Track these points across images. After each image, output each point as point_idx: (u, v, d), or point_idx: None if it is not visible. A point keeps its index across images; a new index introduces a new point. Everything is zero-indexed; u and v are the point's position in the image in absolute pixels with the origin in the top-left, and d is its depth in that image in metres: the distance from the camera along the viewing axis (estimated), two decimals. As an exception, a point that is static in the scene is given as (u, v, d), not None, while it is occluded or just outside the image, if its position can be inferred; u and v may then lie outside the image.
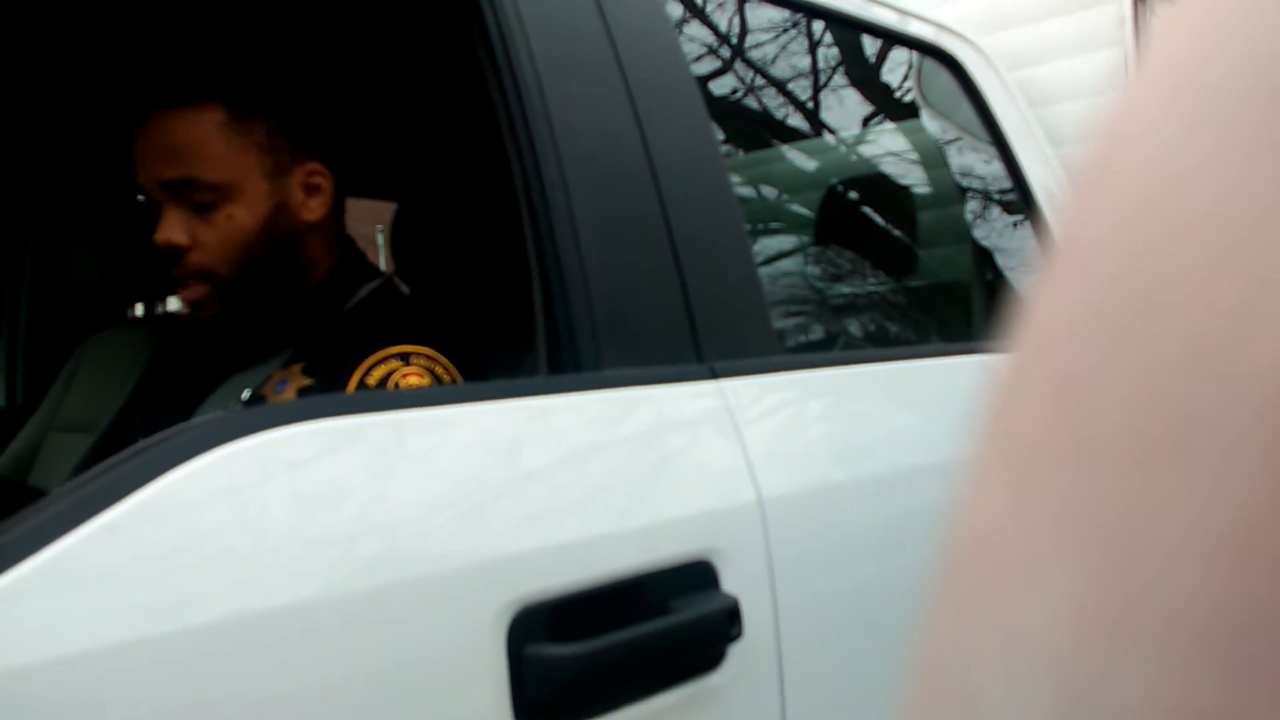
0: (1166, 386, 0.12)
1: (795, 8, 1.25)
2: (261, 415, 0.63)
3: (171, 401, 1.15)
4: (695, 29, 1.20)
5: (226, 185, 1.01)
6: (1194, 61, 0.13)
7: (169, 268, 1.03)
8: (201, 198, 1.01)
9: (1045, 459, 0.13)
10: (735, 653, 0.74)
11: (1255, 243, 0.11)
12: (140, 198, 1.76)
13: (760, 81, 1.37)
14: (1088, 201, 0.14)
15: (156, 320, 1.70)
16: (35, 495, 1.29)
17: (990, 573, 0.13)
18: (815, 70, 1.43)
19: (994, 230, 1.53)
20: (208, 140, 1.00)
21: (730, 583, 0.76)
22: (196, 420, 1.06)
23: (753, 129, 1.41)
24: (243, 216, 1.02)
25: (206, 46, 1.42)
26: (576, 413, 0.76)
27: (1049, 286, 0.14)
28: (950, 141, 1.55)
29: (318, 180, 1.07)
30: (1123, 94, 0.14)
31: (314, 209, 1.06)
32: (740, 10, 1.27)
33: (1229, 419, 0.11)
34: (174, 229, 1.01)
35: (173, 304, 1.92)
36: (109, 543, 0.52)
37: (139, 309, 1.86)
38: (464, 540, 0.65)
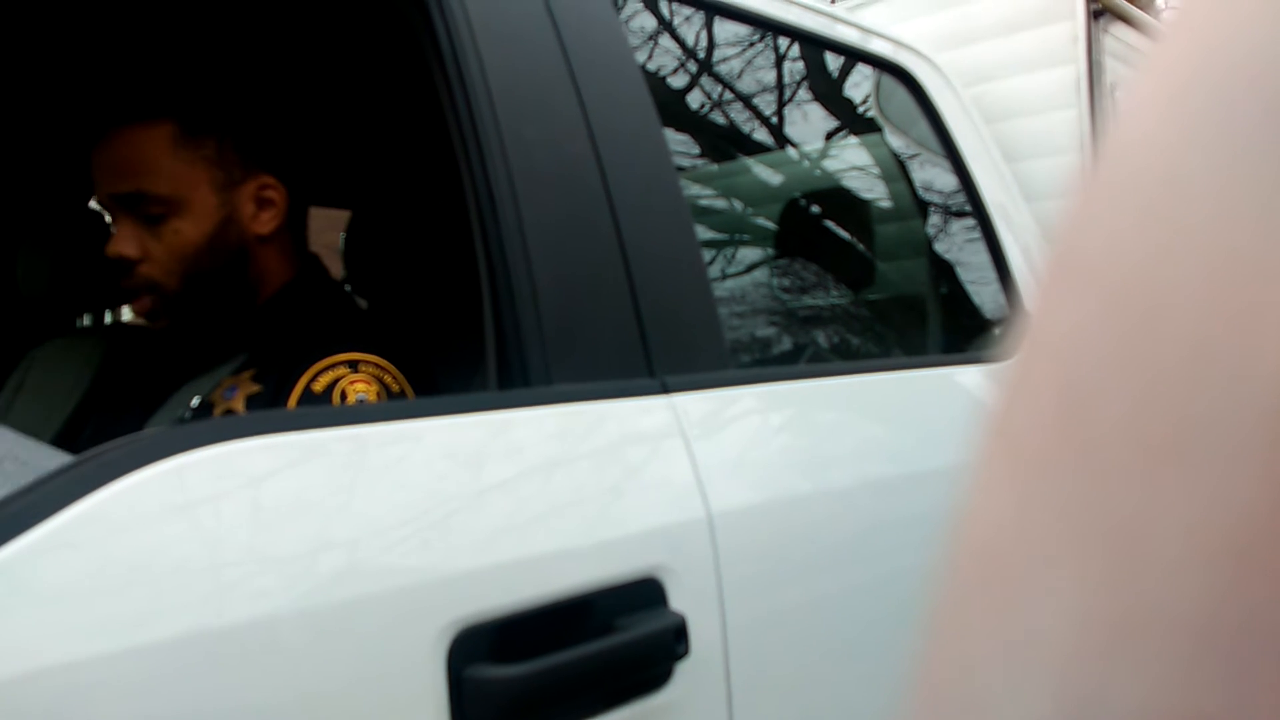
0: (1168, 392, 0.12)
1: (754, 23, 1.25)
2: (216, 427, 0.62)
3: (125, 412, 1.15)
4: (654, 43, 1.20)
5: (174, 199, 1.03)
6: (1193, 68, 0.13)
7: (119, 280, 1.05)
8: (151, 210, 1.03)
9: (1048, 464, 0.13)
10: (682, 671, 0.74)
11: (1256, 248, 0.11)
12: (91, 205, 1.74)
13: (720, 95, 1.37)
14: (1090, 208, 0.14)
15: (105, 330, 1.67)
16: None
17: (992, 577, 0.14)
18: (775, 85, 1.44)
19: (951, 244, 1.54)
20: (158, 155, 1.03)
21: (678, 600, 0.75)
22: (147, 431, 1.04)
23: (712, 142, 1.41)
24: (188, 230, 1.04)
25: (159, 64, 1.42)
26: (522, 429, 0.75)
27: (1051, 292, 0.14)
28: (909, 156, 1.56)
29: (270, 194, 1.08)
30: (1124, 101, 0.14)
31: (265, 222, 1.08)
32: (699, 25, 1.27)
33: (1230, 425, 0.11)
34: (125, 242, 1.03)
35: (123, 314, 1.89)
36: (48, 556, 0.51)
37: (87, 319, 1.82)
38: (405, 560, 0.64)
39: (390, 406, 0.85)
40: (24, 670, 0.48)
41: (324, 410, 0.89)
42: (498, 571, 0.66)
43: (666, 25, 1.23)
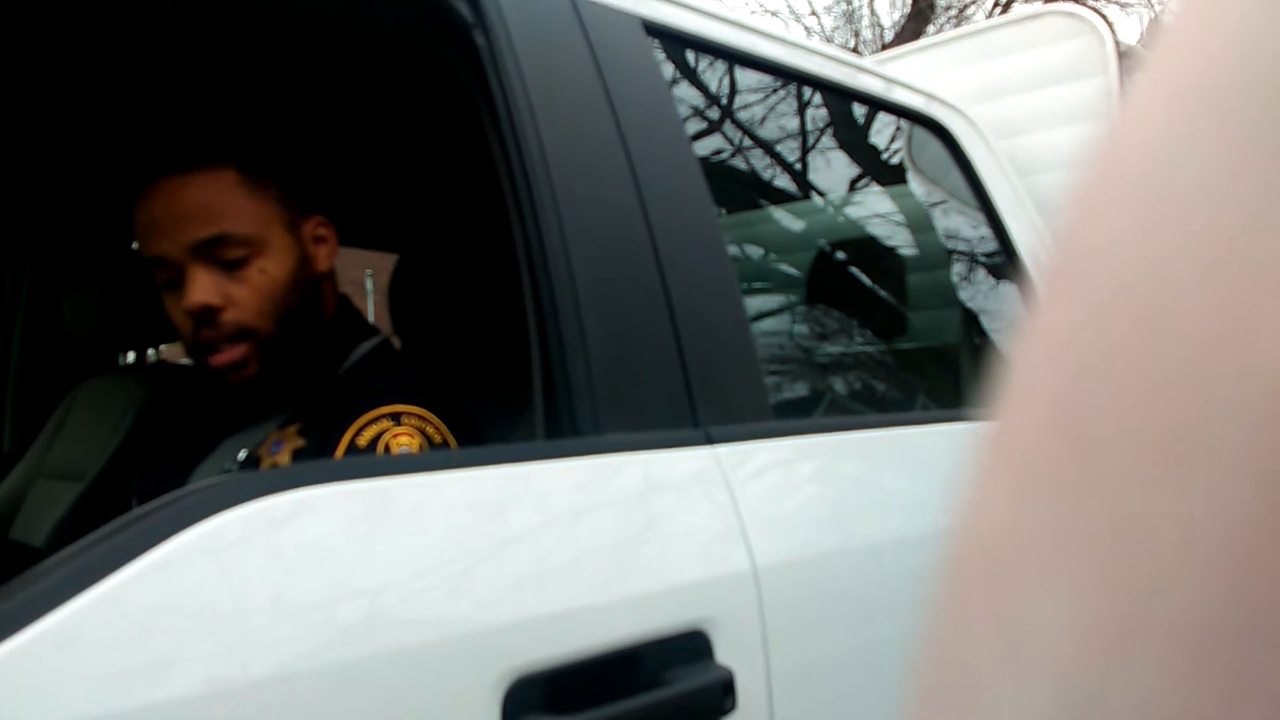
0: (1166, 396, 0.12)
1: (791, 77, 1.28)
2: (263, 481, 0.63)
3: (168, 462, 1.14)
4: (695, 97, 1.22)
5: (256, 239, 1.02)
6: (1192, 72, 0.13)
7: (200, 331, 1.01)
8: (232, 254, 1.01)
9: (1046, 468, 0.13)
10: (729, 724, 0.74)
11: (1254, 253, 0.11)
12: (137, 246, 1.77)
13: (757, 147, 1.39)
14: (1088, 213, 0.14)
15: (148, 369, 1.69)
16: (15, 549, 1.27)
17: (991, 581, 0.14)
18: (810, 136, 1.46)
19: (982, 294, 1.55)
20: (231, 198, 1.02)
21: (724, 653, 0.75)
22: (195, 485, 1.05)
23: (750, 194, 1.43)
24: (274, 269, 1.03)
25: (213, 112, 1.44)
26: (571, 477, 0.76)
27: (1050, 297, 0.14)
28: (940, 207, 1.57)
29: (323, 232, 1.10)
30: (1123, 106, 0.14)
31: (323, 259, 1.09)
32: (743, 80, 1.29)
33: (1228, 428, 0.11)
34: (206, 290, 1.00)
35: (165, 352, 1.92)
36: (107, 611, 0.52)
37: (130, 356, 1.85)
38: (457, 608, 0.65)
39: (456, 455, 0.86)
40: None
41: (367, 461, 0.90)
42: (549, 622, 0.67)
43: (712, 82, 1.25)
